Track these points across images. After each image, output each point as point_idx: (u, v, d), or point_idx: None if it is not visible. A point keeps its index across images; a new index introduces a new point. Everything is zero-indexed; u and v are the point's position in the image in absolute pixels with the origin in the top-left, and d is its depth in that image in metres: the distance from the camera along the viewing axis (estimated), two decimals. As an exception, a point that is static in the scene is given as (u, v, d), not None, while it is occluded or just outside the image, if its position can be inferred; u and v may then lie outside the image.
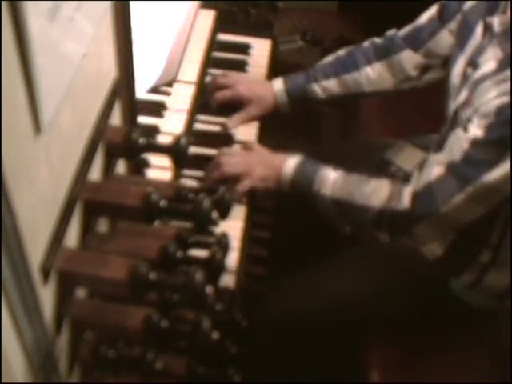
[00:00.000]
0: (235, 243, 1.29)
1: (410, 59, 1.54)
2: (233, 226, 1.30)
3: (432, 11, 1.51)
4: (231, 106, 1.57)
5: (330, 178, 1.36)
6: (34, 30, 0.57)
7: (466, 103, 1.25)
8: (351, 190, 1.34)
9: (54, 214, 0.71)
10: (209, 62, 1.66)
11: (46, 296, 0.71)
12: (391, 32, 1.58)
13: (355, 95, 1.61)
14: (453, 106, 1.34)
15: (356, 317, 1.50)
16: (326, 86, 1.58)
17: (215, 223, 0.83)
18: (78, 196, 0.77)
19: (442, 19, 1.48)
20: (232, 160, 1.42)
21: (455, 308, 1.47)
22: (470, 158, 1.20)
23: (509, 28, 1.21)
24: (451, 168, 1.22)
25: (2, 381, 0.63)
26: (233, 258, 1.26)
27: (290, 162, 1.40)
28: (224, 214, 0.83)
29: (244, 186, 1.40)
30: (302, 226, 1.81)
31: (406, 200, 1.27)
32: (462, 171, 1.21)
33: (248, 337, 0.96)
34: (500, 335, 1.49)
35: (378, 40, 1.59)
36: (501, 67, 1.19)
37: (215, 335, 0.79)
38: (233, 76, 1.63)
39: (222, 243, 0.81)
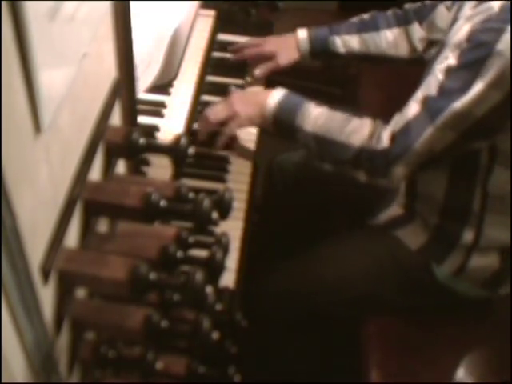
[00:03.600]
0: (235, 243, 1.30)
1: (417, 32, 1.63)
2: (233, 226, 1.31)
3: None
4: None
5: (313, 114, 1.37)
6: (34, 29, 0.57)
7: (442, 46, 1.30)
8: (333, 127, 1.34)
9: (53, 214, 0.71)
10: (209, 62, 1.66)
11: (46, 296, 0.71)
12: (408, 5, 1.67)
13: (373, 56, 1.68)
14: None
15: (342, 301, 1.51)
16: (346, 41, 1.66)
17: (215, 223, 0.83)
18: (78, 196, 0.76)
19: None
20: (215, 108, 1.44)
21: (443, 297, 1.47)
22: (444, 89, 1.22)
23: None
24: (426, 102, 1.24)
25: (2, 381, 0.63)
26: (233, 258, 1.26)
27: (274, 97, 1.40)
28: (224, 214, 0.83)
29: (231, 128, 1.43)
30: (288, 219, 1.83)
31: (384, 140, 1.28)
32: (433, 103, 1.23)
33: (248, 337, 0.96)
34: (498, 330, 1.49)
35: (398, 10, 1.68)
36: (474, 8, 1.24)
37: (215, 335, 0.79)
38: (257, 39, 1.73)
39: (222, 243, 0.81)
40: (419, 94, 1.27)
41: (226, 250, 0.81)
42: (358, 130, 1.31)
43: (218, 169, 1.45)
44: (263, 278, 1.57)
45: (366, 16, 1.69)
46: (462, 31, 1.22)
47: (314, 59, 1.70)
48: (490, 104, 1.18)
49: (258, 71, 1.65)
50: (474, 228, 1.38)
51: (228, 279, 1.22)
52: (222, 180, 1.43)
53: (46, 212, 0.68)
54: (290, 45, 1.68)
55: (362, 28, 1.66)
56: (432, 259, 1.43)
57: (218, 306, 0.81)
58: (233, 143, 1.48)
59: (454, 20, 1.33)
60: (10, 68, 0.56)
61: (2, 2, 0.53)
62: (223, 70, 1.69)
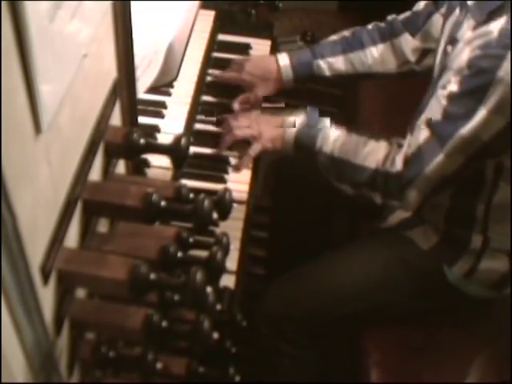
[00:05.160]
0: (235, 243, 1.30)
1: (408, 43, 1.58)
2: (233, 226, 1.31)
3: None
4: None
5: (331, 136, 1.39)
6: (34, 30, 0.57)
7: (443, 70, 1.29)
8: (350, 149, 1.36)
9: (54, 214, 0.71)
10: (209, 62, 1.66)
11: (46, 296, 0.71)
12: (391, 17, 1.63)
13: (360, 75, 1.63)
14: (434, 76, 1.38)
15: (355, 310, 1.51)
16: (332, 63, 1.60)
17: (215, 224, 0.83)
18: (78, 196, 0.76)
19: (436, 4, 1.53)
20: (242, 123, 1.46)
21: (453, 298, 1.47)
22: (448, 114, 1.23)
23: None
24: (432, 128, 1.25)
25: (2, 381, 0.63)
26: (233, 258, 1.26)
27: (294, 121, 1.42)
28: (224, 214, 0.83)
29: (255, 149, 1.45)
30: (300, 223, 1.82)
31: (398, 163, 1.29)
32: (441, 129, 1.24)
33: (248, 337, 0.96)
34: (498, 330, 1.49)
35: (380, 23, 1.63)
36: (474, 31, 1.22)
37: (215, 335, 0.79)
38: (236, 62, 1.65)
39: (222, 243, 0.81)
40: (424, 118, 1.28)
41: (226, 250, 0.81)
42: (373, 153, 1.33)
43: (217, 169, 1.45)
44: (275, 279, 1.56)
45: (347, 33, 1.62)
46: (462, 56, 1.22)
47: (298, 84, 1.62)
48: (495, 129, 1.19)
49: (236, 105, 1.56)
50: (481, 234, 1.39)
51: (228, 279, 1.22)
52: (221, 180, 1.43)
53: (46, 212, 0.68)
54: (271, 74, 1.59)
55: (347, 47, 1.60)
56: (443, 261, 1.44)
57: (218, 306, 0.81)
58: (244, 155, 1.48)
59: (459, 24, 1.30)
60: (10, 68, 0.56)
61: (2, 2, 0.53)
62: (223, 69, 1.69)
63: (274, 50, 1.81)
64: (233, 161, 1.48)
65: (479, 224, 1.38)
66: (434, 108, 1.26)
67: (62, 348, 0.77)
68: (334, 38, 1.63)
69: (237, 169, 1.46)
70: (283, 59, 1.60)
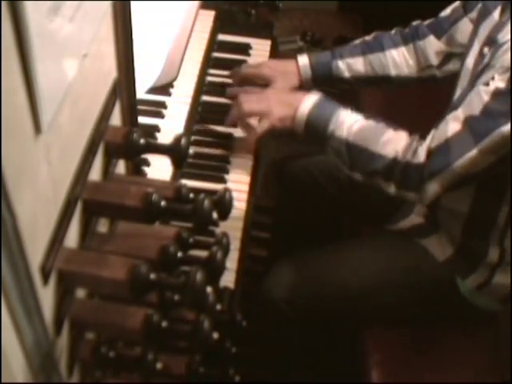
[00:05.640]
0: (235, 243, 1.30)
1: (433, 46, 1.56)
2: (233, 226, 1.31)
3: (456, 3, 1.54)
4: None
5: (347, 121, 1.34)
6: (34, 30, 0.57)
7: (486, 68, 1.24)
8: (367, 135, 1.32)
9: (54, 214, 0.71)
10: (209, 62, 1.66)
11: (46, 296, 0.71)
12: (416, 22, 1.61)
13: (380, 78, 1.60)
14: (463, 83, 1.35)
15: (356, 309, 1.50)
16: (350, 64, 1.58)
17: (215, 224, 0.83)
18: (78, 196, 0.76)
19: (464, 9, 1.51)
20: (250, 98, 1.43)
21: (461, 309, 1.46)
22: (490, 111, 1.19)
23: None
24: (469, 122, 1.21)
25: (2, 381, 0.63)
26: (233, 258, 1.26)
27: (309, 101, 1.38)
28: (224, 214, 0.83)
29: (262, 126, 1.41)
30: (302, 224, 1.82)
31: (421, 155, 1.26)
32: (479, 125, 1.20)
33: (248, 337, 0.96)
34: (498, 334, 1.49)
35: (403, 28, 1.61)
36: None
37: (215, 335, 0.79)
38: (255, 63, 1.64)
39: (223, 243, 0.81)
40: (459, 113, 1.24)
41: (226, 250, 0.81)
42: (393, 141, 1.30)
43: (217, 169, 1.45)
44: (278, 266, 1.56)
45: (368, 37, 1.62)
46: (509, 54, 1.18)
47: (317, 85, 1.59)
48: None
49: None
50: (498, 245, 1.37)
51: (228, 279, 1.22)
52: (221, 180, 1.43)
53: (46, 212, 0.68)
54: (290, 70, 1.58)
55: (366, 49, 1.59)
56: (458, 273, 1.43)
57: (218, 306, 0.81)
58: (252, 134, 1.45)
59: (500, 26, 1.28)
60: (10, 68, 0.56)
61: (2, 2, 0.53)
62: (223, 69, 1.69)
63: (274, 49, 1.81)
64: (233, 160, 1.48)
65: (498, 232, 1.36)
66: (474, 104, 1.21)
67: (61, 348, 0.77)
68: (355, 41, 1.62)
69: (237, 151, 1.43)
70: (302, 59, 1.60)
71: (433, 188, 1.26)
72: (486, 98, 1.19)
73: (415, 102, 1.98)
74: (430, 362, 1.43)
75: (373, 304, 1.49)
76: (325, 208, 1.80)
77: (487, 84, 1.20)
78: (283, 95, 1.44)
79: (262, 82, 1.57)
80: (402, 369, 1.44)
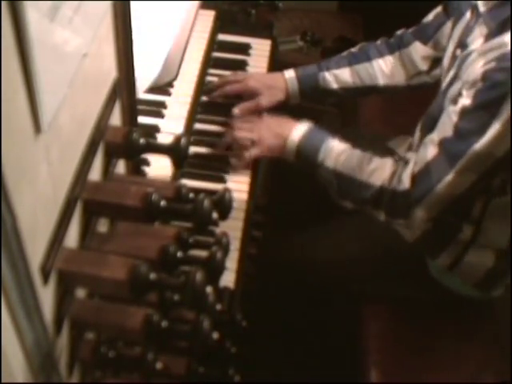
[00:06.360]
0: (235, 243, 1.30)
1: (418, 51, 1.57)
2: (233, 226, 1.31)
3: (438, 9, 1.55)
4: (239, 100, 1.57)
5: (335, 150, 1.37)
6: (34, 30, 0.57)
7: (454, 79, 1.27)
8: (354, 165, 1.34)
9: (54, 214, 0.71)
10: (209, 62, 1.66)
11: (46, 296, 0.71)
12: (400, 31, 1.62)
13: (368, 88, 1.61)
14: (443, 85, 1.36)
15: (345, 283, 1.54)
16: (337, 75, 1.59)
17: (215, 224, 0.83)
18: (78, 196, 0.76)
19: (446, 13, 1.51)
20: (245, 125, 1.45)
21: (434, 293, 1.47)
22: (460, 131, 1.20)
23: (492, 7, 1.24)
24: (444, 145, 1.23)
25: (2, 381, 0.63)
26: (233, 258, 1.26)
27: (298, 130, 1.41)
28: (224, 214, 0.83)
29: (252, 153, 1.44)
30: (295, 218, 1.83)
31: (406, 181, 1.28)
32: (453, 147, 1.22)
33: (248, 337, 0.96)
34: (498, 334, 1.49)
35: (389, 38, 1.62)
36: (486, 40, 1.21)
37: (215, 335, 0.79)
38: (242, 73, 1.64)
39: (222, 243, 0.81)
40: (434, 136, 1.25)
41: (226, 250, 0.81)
42: (379, 170, 1.32)
43: (217, 169, 1.45)
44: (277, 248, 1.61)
45: (354, 49, 1.62)
46: (475, 67, 1.19)
47: (305, 99, 1.61)
48: (508, 143, 1.16)
49: (237, 110, 1.52)
50: (473, 225, 1.37)
51: (228, 279, 1.22)
52: (221, 180, 1.43)
53: (46, 212, 0.68)
54: (276, 84, 1.58)
55: (353, 60, 1.59)
56: (428, 252, 1.43)
57: (218, 306, 0.81)
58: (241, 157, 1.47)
59: (469, 29, 1.29)
60: (10, 68, 0.56)
61: (2, 2, 0.53)
62: (223, 69, 1.69)
63: (274, 49, 1.81)
64: (233, 161, 1.48)
65: (474, 216, 1.36)
66: (446, 125, 1.23)
67: (61, 348, 0.77)
68: (342, 54, 1.63)
69: (233, 169, 1.45)
70: (289, 72, 1.60)
71: (420, 214, 1.28)
72: (454, 118, 1.21)
73: (415, 101, 1.97)
74: (429, 361, 1.43)
75: (358, 275, 1.52)
76: (316, 193, 1.82)
77: (455, 102, 1.22)
78: (274, 125, 1.46)
79: (248, 95, 1.57)
80: (400, 369, 1.44)
